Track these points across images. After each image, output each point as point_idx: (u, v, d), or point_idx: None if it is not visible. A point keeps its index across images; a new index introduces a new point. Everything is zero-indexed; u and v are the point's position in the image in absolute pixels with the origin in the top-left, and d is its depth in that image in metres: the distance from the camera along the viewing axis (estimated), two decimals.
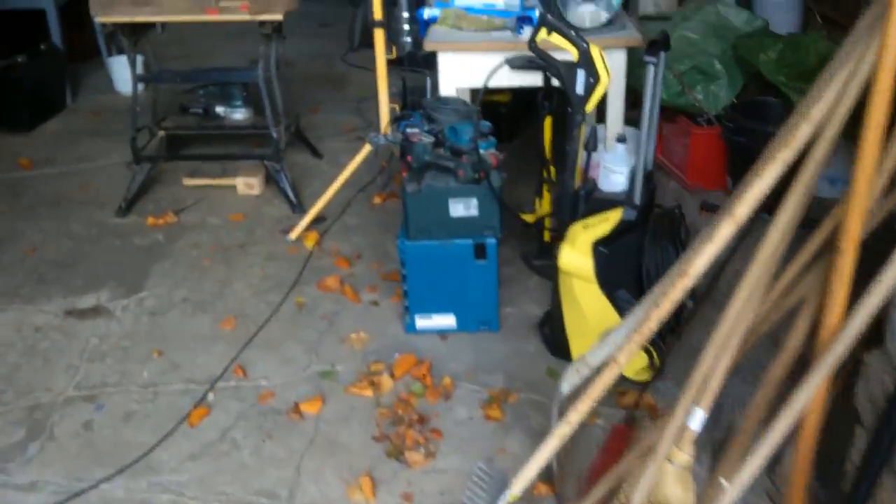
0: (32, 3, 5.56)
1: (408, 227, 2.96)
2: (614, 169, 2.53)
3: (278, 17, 3.94)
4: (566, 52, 2.65)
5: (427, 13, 3.50)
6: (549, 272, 3.39)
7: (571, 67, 2.58)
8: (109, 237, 3.98)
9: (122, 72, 5.78)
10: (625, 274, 2.54)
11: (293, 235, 3.88)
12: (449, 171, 2.91)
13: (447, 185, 2.88)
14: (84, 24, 6.43)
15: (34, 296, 3.51)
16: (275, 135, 4.17)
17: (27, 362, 3.07)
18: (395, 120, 3.29)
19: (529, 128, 4.66)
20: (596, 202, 2.57)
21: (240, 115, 4.53)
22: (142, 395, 2.89)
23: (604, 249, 2.50)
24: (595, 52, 2.51)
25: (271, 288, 3.51)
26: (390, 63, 6.47)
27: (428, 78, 5.26)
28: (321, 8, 8.16)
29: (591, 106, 2.56)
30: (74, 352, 3.13)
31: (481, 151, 2.94)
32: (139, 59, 4.34)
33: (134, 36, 4.11)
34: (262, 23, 3.99)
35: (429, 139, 2.95)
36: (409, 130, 3.00)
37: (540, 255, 3.45)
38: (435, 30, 3.41)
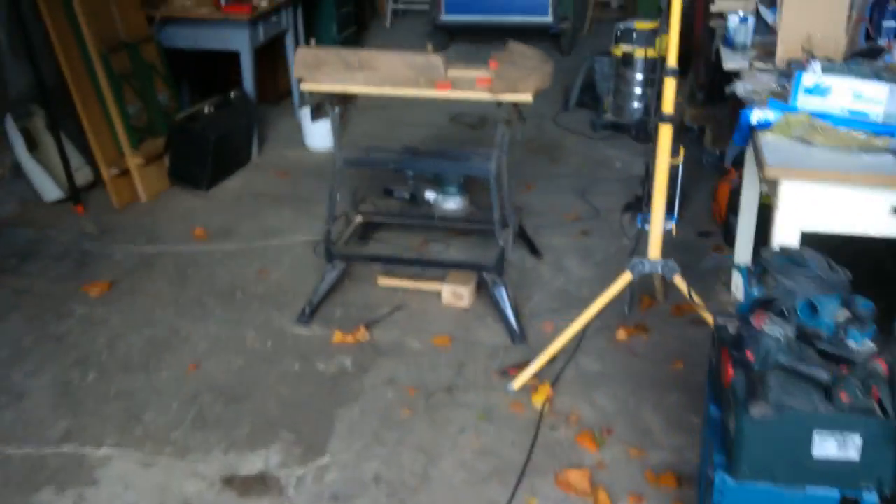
0: (227, 45, 4.83)
1: (736, 461, 1.86)
2: None
3: (527, 98, 2.95)
4: None
5: (757, 116, 2.40)
6: None
7: None
8: (288, 356, 3.09)
9: (315, 126, 4.97)
10: None
11: (517, 385, 2.86)
12: (812, 383, 1.79)
13: (815, 410, 1.77)
14: (278, 63, 5.73)
15: (189, 445, 2.64)
16: (501, 242, 3.17)
17: None
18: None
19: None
20: None
21: (453, 204, 3.57)
22: None
23: None
24: None
25: (491, 474, 2.50)
26: (613, 130, 5.42)
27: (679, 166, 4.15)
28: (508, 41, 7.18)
29: None
30: None
31: (859, 348, 1.82)
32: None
33: (342, 104, 3.22)
34: (500, 103, 3.01)
35: (784, 330, 1.85)
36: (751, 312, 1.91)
37: None
38: (770, 143, 2.30)
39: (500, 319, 3.23)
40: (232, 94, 4.75)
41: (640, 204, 4.20)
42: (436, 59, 3.13)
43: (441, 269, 3.44)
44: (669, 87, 2.68)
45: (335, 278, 3.33)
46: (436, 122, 5.48)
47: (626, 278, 2.85)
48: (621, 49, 5.13)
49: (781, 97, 2.63)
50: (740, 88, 2.91)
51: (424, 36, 7.54)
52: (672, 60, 2.65)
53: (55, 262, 3.80)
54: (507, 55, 3.19)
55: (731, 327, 2.08)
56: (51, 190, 4.32)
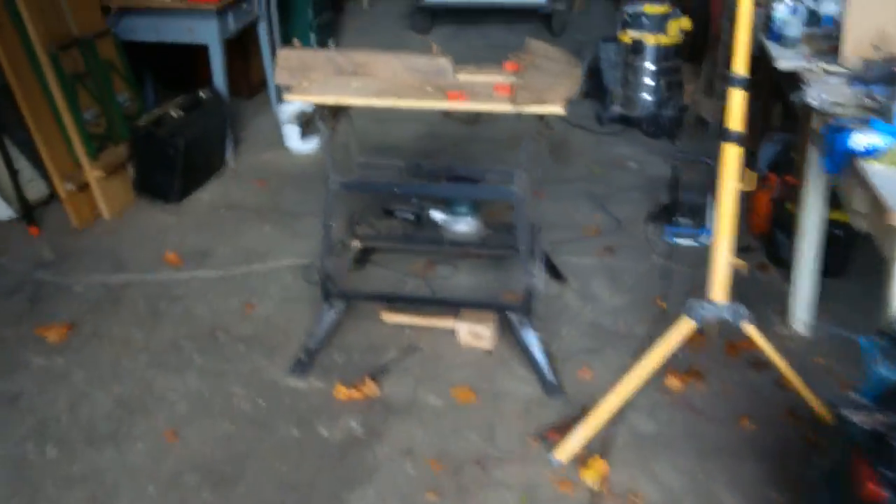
0: (193, 37, 4.26)
1: None
2: None
3: (557, 109, 2.45)
4: None
5: (861, 141, 1.94)
6: None
7: None
8: (284, 419, 2.60)
9: (294, 126, 4.43)
10: None
11: (562, 457, 2.39)
12: None
13: None
14: (250, 52, 5.16)
15: None
16: (531, 277, 2.70)
17: None
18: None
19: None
20: None
21: (465, 226, 3.09)
22: None
23: None
24: None
25: None
26: (622, 123, 4.94)
27: (713, 166, 3.66)
28: (521, 39, 6.64)
29: None
30: None
31: None
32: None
33: (335, 119, 2.71)
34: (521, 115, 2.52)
35: None
36: None
37: None
38: (881, 175, 1.85)
39: (529, 365, 2.76)
40: (201, 94, 4.19)
41: (665, 213, 3.76)
42: (444, 62, 2.64)
43: (459, 308, 2.94)
44: (736, 100, 2.20)
45: (334, 321, 2.83)
46: (427, 118, 4.93)
47: (685, 326, 2.39)
48: (629, 35, 4.65)
49: (879, 114, 2.17)
50: (814, 98, 2.45)
51: (405, 17, 7.00)
52: (741, 68, 2.17)
53: (6, 297, 3.26)
54: (528, 57, 2.70)
55: (864, 422, 1.63)
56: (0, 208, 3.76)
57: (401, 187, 2.80)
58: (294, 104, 4.13)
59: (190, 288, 3.32)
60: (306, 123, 2.57)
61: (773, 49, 2.97)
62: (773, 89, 3.89)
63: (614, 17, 7.11)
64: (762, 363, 2.63)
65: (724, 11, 4.29)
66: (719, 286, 2.38)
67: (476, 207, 3.13)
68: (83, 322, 3.09)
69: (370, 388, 2.71)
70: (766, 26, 3.07)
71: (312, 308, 3.05)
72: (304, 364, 2.79)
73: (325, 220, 2.76)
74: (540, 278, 2.74)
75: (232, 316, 3.13)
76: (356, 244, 3.15)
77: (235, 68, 4.89)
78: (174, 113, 4.01)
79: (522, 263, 2.71)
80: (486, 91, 2.59)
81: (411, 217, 3.13)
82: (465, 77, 2.70)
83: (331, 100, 2.59)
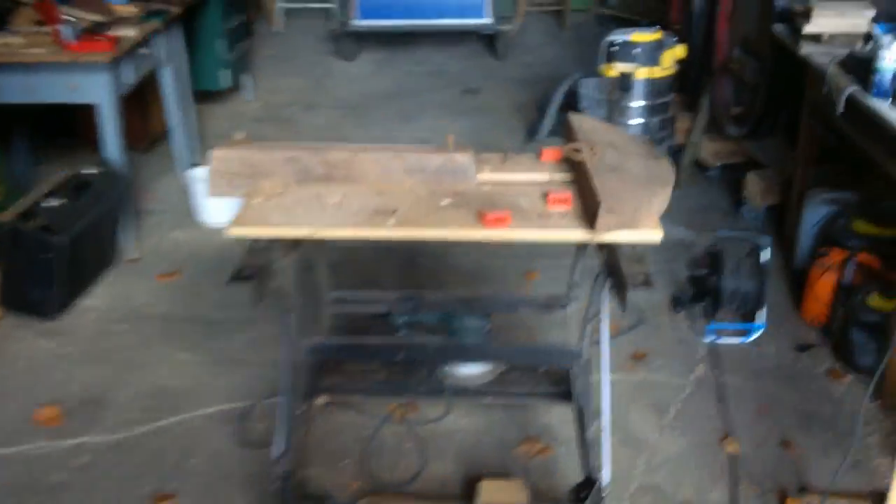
0: (79, 96, 3.12)
1: None
2: None
3: (654, 237, 1.53)
4: None
5: None
6: None
7: None
8: None
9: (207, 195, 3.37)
10: None
11: None
12: None
13: None
14: (148, 98, 4.08)
15: None
16: (594, 472, 1.76)
17: None
18: None
19: None
20: None
21: (473, 369, 2.12)
22: None
23: None
24: None
25: None
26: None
27: (759, 244, 2.78)
28: (463, 64, 5.73)
29: None
30: None
31: None
32: None
33: (295, 249, 1.72)
34: (603, 246, 1.61)
35: None
36: None
37: None
38: None
39: None
40: (87, 171, 3.10)
41: (696, 299, 2.90)
42: (462, 160, 1.69)
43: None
44: None
45: None
46: None
47: None
48: (617, 69, 3.76)
49: None
50: None
51: (326, 41, 5.97)
52: None
53: None
54: (586, 144, 1.75)
55: None
56: None
57: (409, 352, 1.82)
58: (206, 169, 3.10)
59: (74, 469, 2.26)
60: (259, 273, 1.55)
61: (882, 108, 2.12)
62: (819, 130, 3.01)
63: (558, 34, 6.29)
64: None
65: (736, 36, 3.45)
66: None
67: (486, 340, 2.18)
68: None
69: None
70: (865, 79, 2.24)
71: (253, 495, 2.06)
72: None
73: (284, 405, 1.75)
74: (608, 467, 1.79)
75: None
76: (322, 400, 2.15)
77: (131, 117, 3.77)
78: (52, 202, 2.92)
79: (582, 452, 1.77)
80: (533, 204, 1.66)
81: (398, 358, 2.14)
82: (491, 176, 1.77)
83: (301, 232, 1.60)
